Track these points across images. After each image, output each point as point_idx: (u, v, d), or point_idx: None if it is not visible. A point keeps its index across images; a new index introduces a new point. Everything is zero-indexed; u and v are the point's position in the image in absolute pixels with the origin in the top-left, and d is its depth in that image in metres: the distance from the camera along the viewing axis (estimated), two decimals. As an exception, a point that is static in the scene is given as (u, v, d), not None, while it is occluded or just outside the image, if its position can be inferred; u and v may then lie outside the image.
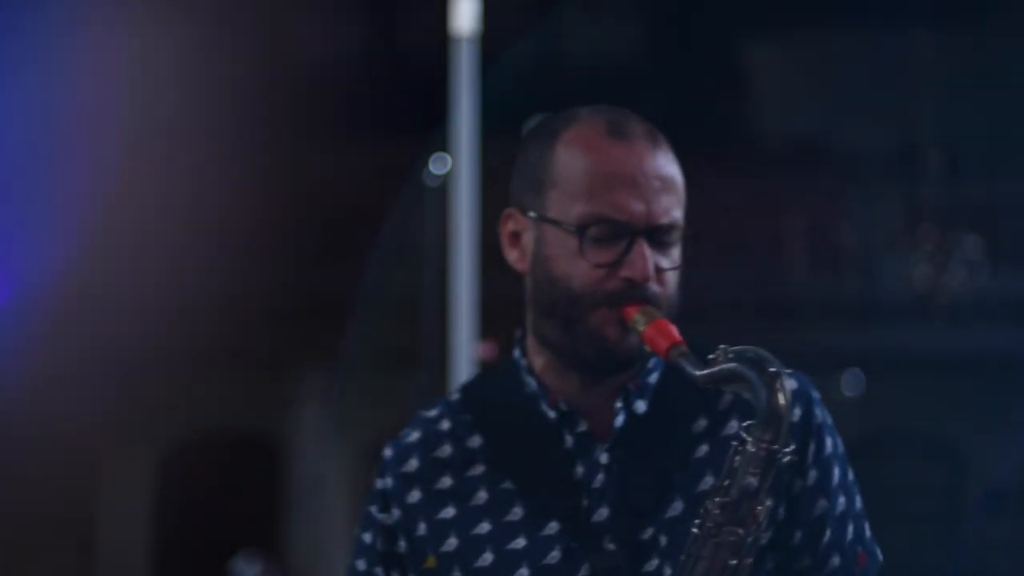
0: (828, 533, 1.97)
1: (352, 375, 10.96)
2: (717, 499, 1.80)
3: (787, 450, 1.80)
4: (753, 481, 1.79)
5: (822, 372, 9.82)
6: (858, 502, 2.01)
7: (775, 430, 1.80)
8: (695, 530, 1.82)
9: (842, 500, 1.98)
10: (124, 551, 11.21)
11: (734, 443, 1.81)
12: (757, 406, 1.80)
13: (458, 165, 4.74)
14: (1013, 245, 9.98)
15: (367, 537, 2.04)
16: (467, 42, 4.78)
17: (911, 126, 10.07)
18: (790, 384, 1.82)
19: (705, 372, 1.83)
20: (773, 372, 1.80)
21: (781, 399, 1.79)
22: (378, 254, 10.28)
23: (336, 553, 11.25)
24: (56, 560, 10.75)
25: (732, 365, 1.82)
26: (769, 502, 1.82)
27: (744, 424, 1.80)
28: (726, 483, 1.80)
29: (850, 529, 1.99)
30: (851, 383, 10.30)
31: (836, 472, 1.99)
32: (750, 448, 1.80)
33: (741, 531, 1.80)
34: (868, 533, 2.02)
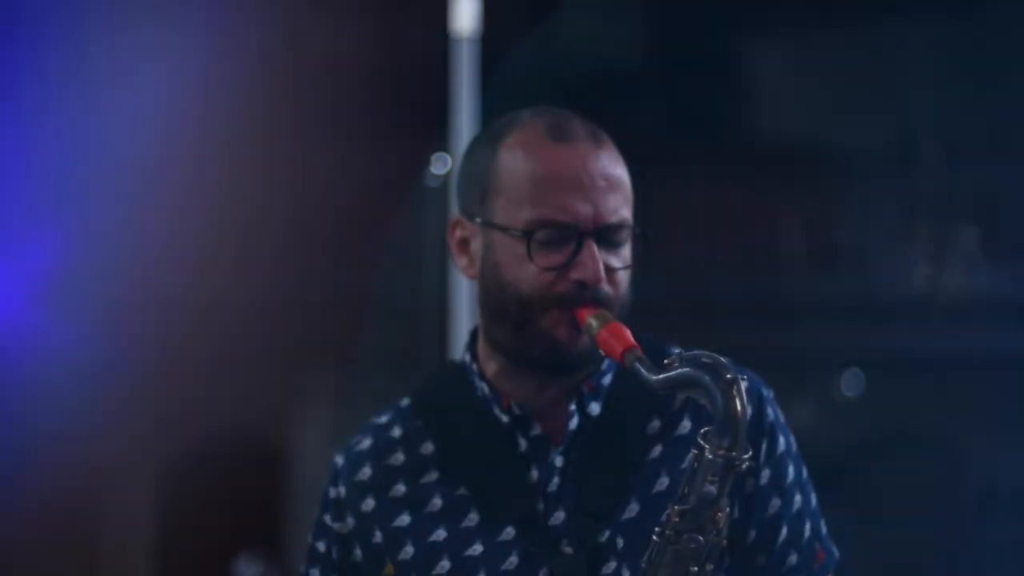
0: (784, 531, 1.97)
1: (353, 375, 10.96)
2: (677, 507, 1.80)
3: (745, 456, 1.80)
4: (712, 489, 1.79)
5: (822, 372, 9.83)
6: (814, 500, 2.02)
7: (733, 436, 1.79)
8: (655, 538, 1.81)
9: (798, 498, 1.99)
10: (126, 552, 11.21)
11: (693, 451, 1.80)
12: (714, 412, 1.80)
13: (458, 165, 4.75)
14: (1012, 242, 9.97)
15: (321, 546, 2.04)
16: (467, 42, 4.78)
17: (907, 121, 10.07)
18: (745, 387, 1.81)
19: (661, 377, 1.83)
20: (730, 378, 1.79)
21: (738, 405, 1.79)
22: (378, 254, 10.28)
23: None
24: (57, 560, 10.76)
25: (688, 371, 1.81)
26: (728, 508, 1.81)
27: (701, 431, 1.80)
28: (685, 490, 1.80)
29: (807, 527, 1.99)
30: (851, 383, 10.29)
31: (791, 470, 1.99)
32: (708, 455, 1.79)
33: (701, 538, 1.80)
34: (824, 531, 2.02)
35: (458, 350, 4.85)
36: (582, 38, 10.89)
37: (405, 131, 9.97)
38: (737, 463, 1.80)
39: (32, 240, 8.91)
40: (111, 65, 9.18)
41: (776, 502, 1.98)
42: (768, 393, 2.02)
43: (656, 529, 1.82)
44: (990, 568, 10.53)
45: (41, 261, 8.91)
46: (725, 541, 1.83)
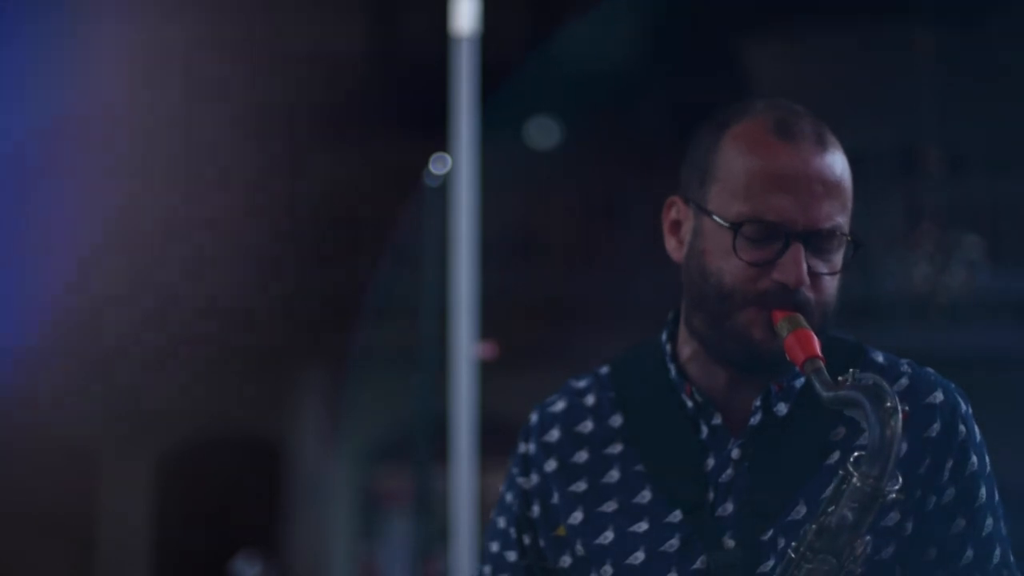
0: (969, 553, 1.93)
1: (353, 375, 10.95)
2: (815, 525, 1.79)
3: (893, 488, 1.78)
4: (850, 515, 1.78)
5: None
6: (1003, 525, 1.98)
7: (882, 466, 1.77)
8: (791, 553, 1.81)
9: (989, 521, 1.95)
10: (124, 551, 11.21)
11: (840, 472, 1.79)
12: (870, 439, 1.78)
13: (458, 165, 4.73)
14: (1013, 245, 9.97)
15: (508, 497, 2.06)
16: (467, 42, 4.77)
17: (911, 126, 10.07)
18: (902, 421, 1.79)
19: (831, 395, 1.82)
20: (889, 407, 1.78)
21: (892, 435, 1.77)
22: (378, 254, 10.28)
23: (336, 553, 11.25)
24: (56, 560, 10.76)
25: (854, 393, 1.80)
26: (868, 538, 1.80)
27: (853, 456, 1.79)
28: (828, 510, 1.79)
29: (997, 552, 1.95)
30: (851, 383, 10.26)
31: (982, 492, 1.96)
32: (855, 482, 1.78)
33: (834, 560, 1.79)
34: (1012, 558, 1.98)
35: (458, 350, 4.83)
36: (581, 37, 10.89)
37: (405, 131, 9.99)
38: (882, 494, 1.79)
39: (32, 247, 8.92)
40: (107, 65, 9.19)
41: (960, 522, 1.95)
42: (965, 409, 1.99)
43: (792, 544, 1.82)
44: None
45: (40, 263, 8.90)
46: (860, 571, 1.82)
